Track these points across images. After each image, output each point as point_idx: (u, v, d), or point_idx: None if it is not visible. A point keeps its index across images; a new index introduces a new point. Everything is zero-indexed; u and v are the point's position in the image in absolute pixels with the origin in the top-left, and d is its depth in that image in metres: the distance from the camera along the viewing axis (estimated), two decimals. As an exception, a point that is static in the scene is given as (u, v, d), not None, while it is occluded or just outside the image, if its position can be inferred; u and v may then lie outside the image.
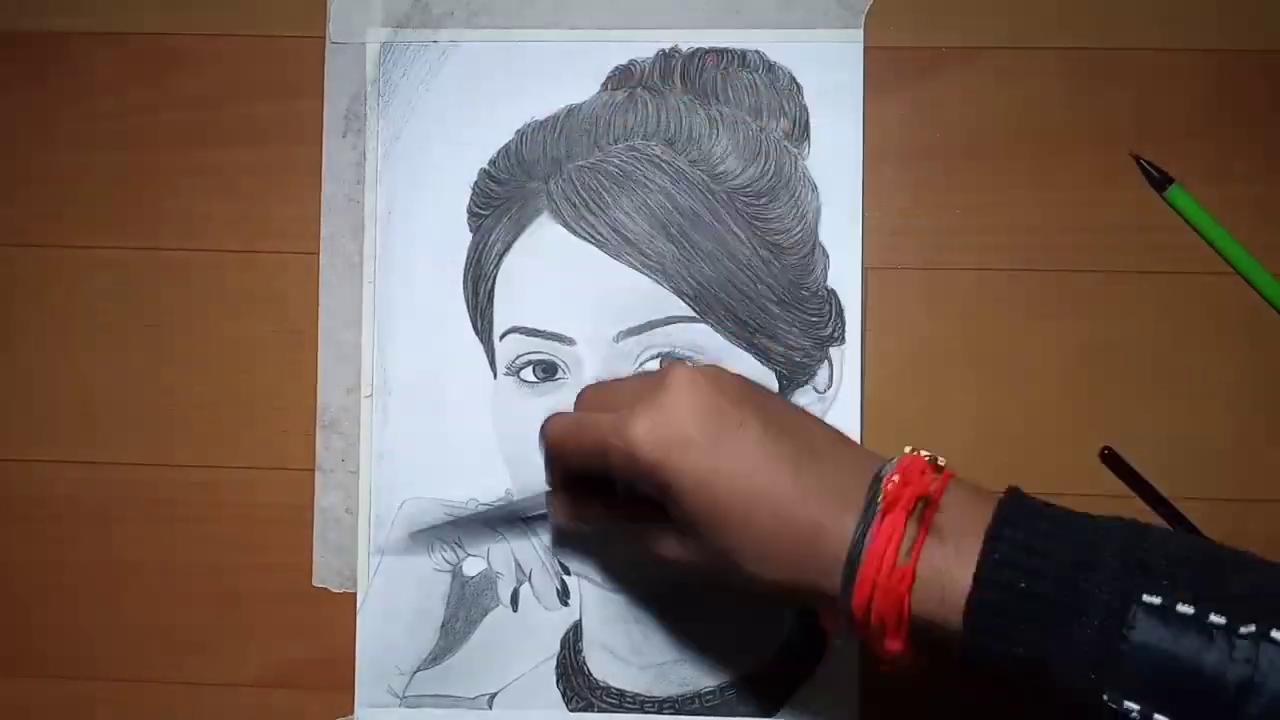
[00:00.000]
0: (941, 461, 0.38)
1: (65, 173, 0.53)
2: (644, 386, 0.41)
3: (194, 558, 0.52)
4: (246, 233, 0.53)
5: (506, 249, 0.52)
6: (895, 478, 0.37)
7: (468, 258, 0.52)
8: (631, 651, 0.51)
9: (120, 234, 0.53)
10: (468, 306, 0.52)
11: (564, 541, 0.51)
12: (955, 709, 0.50)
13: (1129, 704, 0.33)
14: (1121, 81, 0.51)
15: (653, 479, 0.39)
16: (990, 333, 0.51)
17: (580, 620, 0.51)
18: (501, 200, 0.52)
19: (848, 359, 0.51)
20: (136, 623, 0.52)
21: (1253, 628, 0.32)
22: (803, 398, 0.51)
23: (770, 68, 0.52)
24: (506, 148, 0.52)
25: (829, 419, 0.48)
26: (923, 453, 0.38)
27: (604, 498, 0.44)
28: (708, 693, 0.51)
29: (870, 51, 0.52)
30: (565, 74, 0.52)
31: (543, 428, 0.45)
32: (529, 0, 0.52)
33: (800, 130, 0.51)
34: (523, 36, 0.52)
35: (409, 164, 0.52)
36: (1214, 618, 0.33)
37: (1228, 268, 0.51)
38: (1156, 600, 0.33)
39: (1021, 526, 0.36)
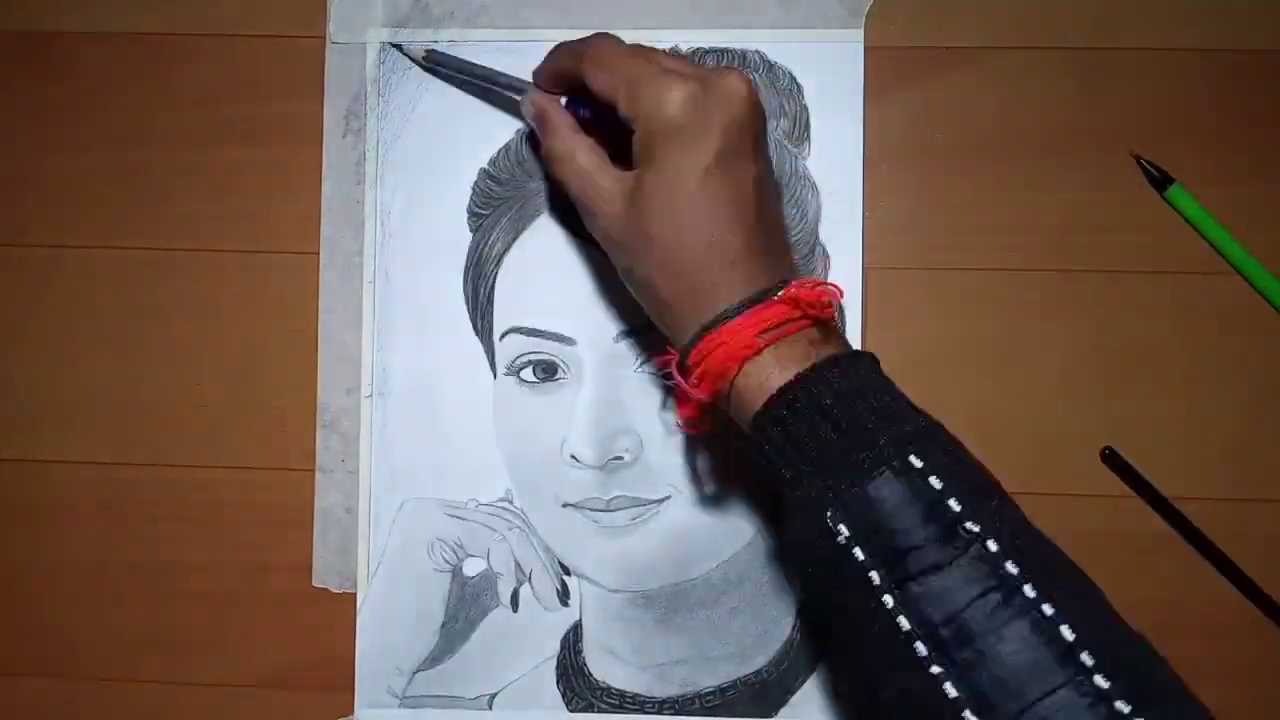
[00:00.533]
0: (843, 300, 0.43)
1: (65, 173, 0.53)
2: (702, 69, 0.43)
3: (194, 558, 0.52)
4: (247, 233, 0.53)
5: (507, 249, 0.52)
6: (803, 286, 0.40)
7: (468, 258, 0.52)
8: (631, 652, 0.51)
9: (120, 234, 0.53)
10: (468, 306, 0.52)
11: (564, 539, 0.51)
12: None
13: (842, 526, 0.37)
14: (1122, 81, 0.51)
15: (651, 139, 0.41)
16: (990, 333, 0.51)
17: (580, 621, 0.51)
18: (502, 200, 0.52)
19: (848, 359, 0.51)
20: (136, 623, 0.52)
21: (976, 529, 0.35)
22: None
23: (770, 68, 0.52)
24: (507, 147, 0.52)
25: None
26: (838, 291, 0.41)
27: (579, 117, 0.46)
28: (708, 693, 0.51)
29: (871, 52, 0.51)
30: (565, 74, 0.52)
31: (591, 39, 0.45)
32: (529, 1, 0.52)
33: (800, 130, 0.51)
34: (523, 36, 0.52)
35: (409, 164, 0.52)
36: (952, 503, 0.36)
37: (1228, 268, 0.51)
38: (918, 464, 0.36)
39: (860, 369, 0.40)
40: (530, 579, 0.51)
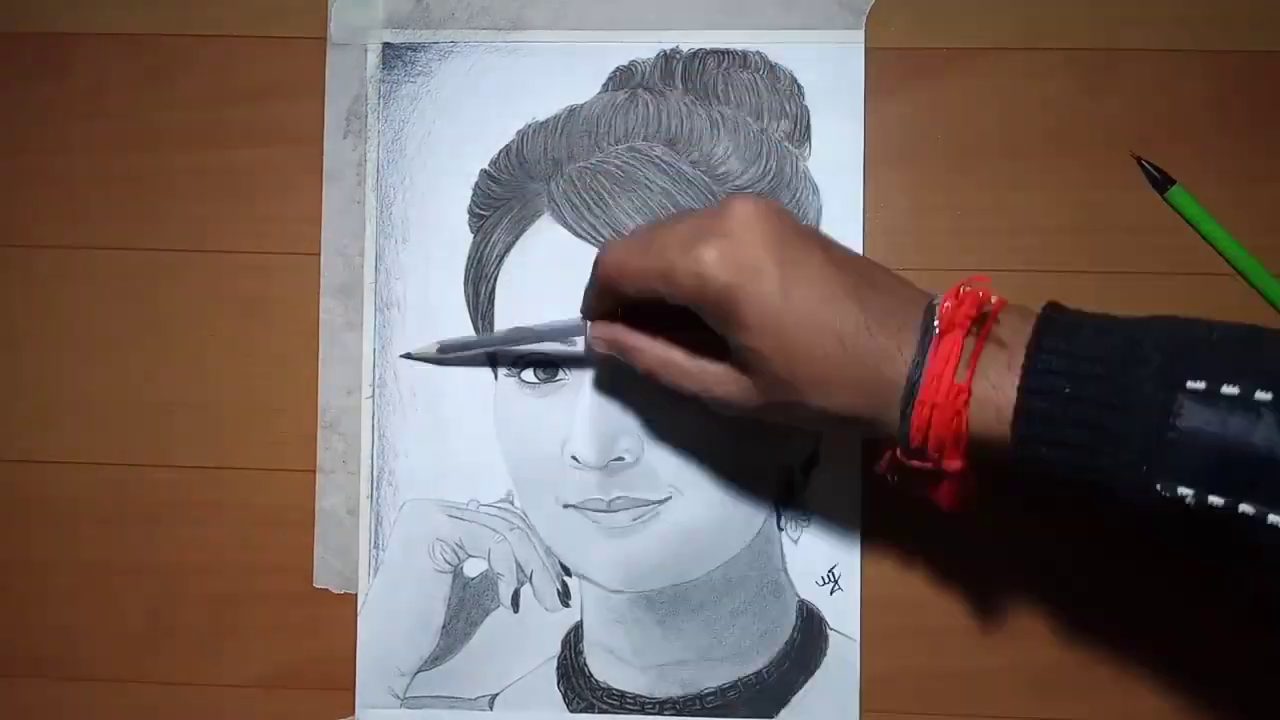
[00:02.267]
0: (994, 297, 0.38)
1: (66, 173, 0.53)
2: (707, 218, 0.41)
3: (194, 559, 0.52)
4: (247, 233, 0.53)
5: (507, 250, 0.52)
6: (949, 303, 0.38)
7: (468, 258, 0.52)
8: (632, 653, 0.51)
9: (121, 234, 0.53)
10: (469, 307, 0.52)
11: (565, 540, 0.51)
12: (956, 710, 0.50)
13: (1182, 489, 0.34)
14: (1122, 82, 0.51)
15: (720, 307, 0.40)
16: (991, 334, 0.51)
17: (581, 621, 0.51)
18: (502, 201, 0.52)
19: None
20: (137, 623, 0.52)
21: None
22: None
23: (771, 69, 0.52)
24: (507, 148, 0.52)
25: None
26: (975, 280, 0.39)
27: (653, 327, 0.45)
28: (708, 694, 0.51)
29: (871, 52, 0.51)
30: (566, 74, 0.52)
31: (600, 254, 0.44)
32: (529, 1, 0.52)
33: (801, 131, 0.51)
34: (523, 37, 0.52)
35: (410, 165, 0.52)
36: (1260, 394, 0.33)
37: (1228, 269, 0.51)
38: (1200, 385, 0.34)
39: (1063, 335, 0.37)
40: (531, 580, 0.51)
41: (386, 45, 0.53)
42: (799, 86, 0.52)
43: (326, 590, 0.52)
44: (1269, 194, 0.51)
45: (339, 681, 0.52)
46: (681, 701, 0.51)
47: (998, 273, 0.51)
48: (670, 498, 0.51)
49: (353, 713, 0.51)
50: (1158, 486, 0.34)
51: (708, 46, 0.52)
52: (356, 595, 0.52)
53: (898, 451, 0.40)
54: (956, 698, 0.50)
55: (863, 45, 0.51)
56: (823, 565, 0.51)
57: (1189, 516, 0.34)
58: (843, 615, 0.51)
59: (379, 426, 0.52)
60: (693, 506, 0.51)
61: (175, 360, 0.53)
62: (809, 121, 0.51)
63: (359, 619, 0.52)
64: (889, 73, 0.52)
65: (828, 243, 0.42)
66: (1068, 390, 0.36)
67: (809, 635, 0.51)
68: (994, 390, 0.37)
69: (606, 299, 0.45)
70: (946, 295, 0.39)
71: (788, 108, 0.51)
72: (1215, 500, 0.34)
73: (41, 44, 0.54)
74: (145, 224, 0.53)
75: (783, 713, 0.50)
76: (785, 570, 0.51)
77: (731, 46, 0.52)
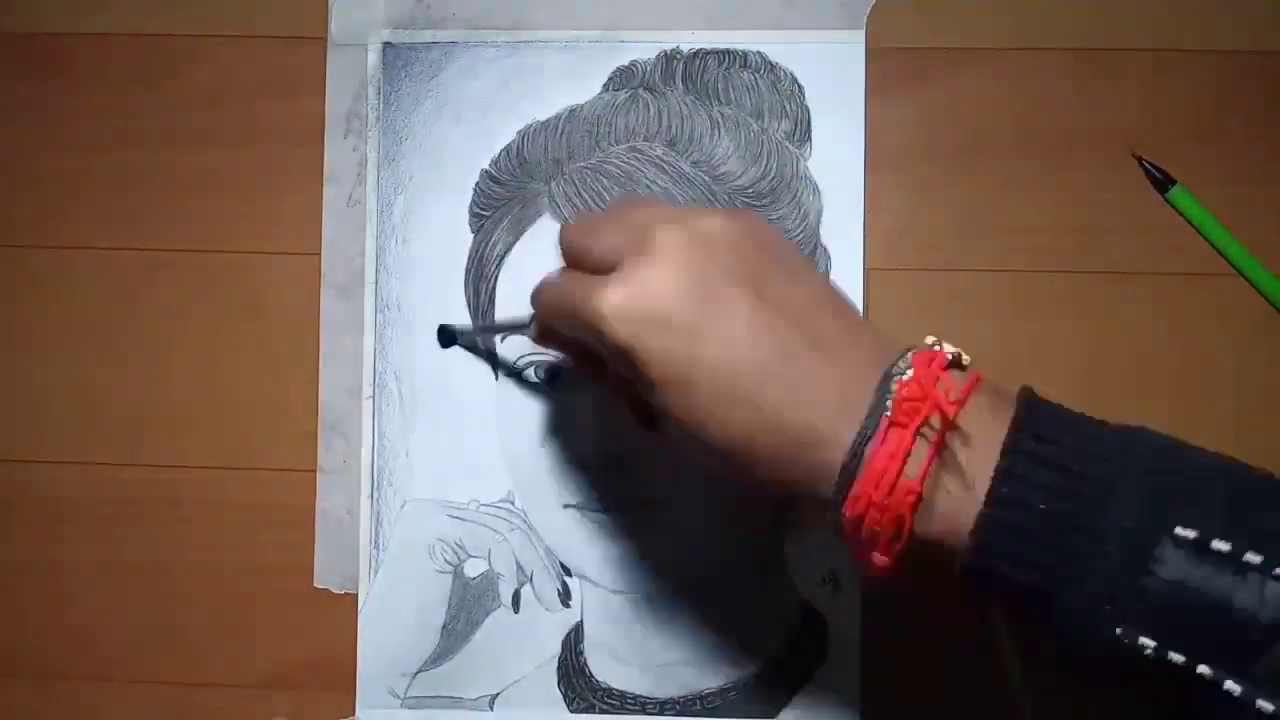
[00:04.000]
0: (966, 360, 0.34)
1: (66, 173, 0.53)
2: (627, 243, 0.36)
3: (195, 559, 0.52)
4: (247, 233, 0.53)
5: (508, 250, 0.52)
6: (908, 378, 0.33)
7: (469, 259, 0.52)
8: (633, 653, 0.51)
9: (121, 234, 0.53)
10: (469, 307, 0.52)
11: (565, 540, 0.51)
12: (960, 710, 0.50)
13: (1144, 640, 0.31)
14: (1123, 82, 0.51)
15: (622, 360, 0.35)
16: (991, 334, 0.51)
17: (581, 621, 0.51)
18: (503, 201, 0.52)
19: (849, 360, 0.51)
20: (137, 623, 0.52)
21: None
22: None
23: (772, 69, 0.52)
24: (508, 148, 0.52)
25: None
26: (945, 348, 0.34)
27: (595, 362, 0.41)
28: (709, 694, 0.51)
29: (872, 53, 0.51)
30: (567, 75, 0.52)
31: (534, 293, 0.41)
32: (530, 1, 0.52)
33: (802, 131, 0.51)
34: (524, 37, 0.52)
35: (410, 165, 0.52)
36: (1250, 556, 0.30)
37: (1229, 269, 0.51)
38: (1190, 534, 0.30)
39: (1043, 439, 0.32)
40: (531, 580, 0.51)
41: (387, 45, 0.53)
42: (799, 86, 0.51)
43: (327, 590, 0.52)
44: (1268, 195, 0.51)
45: (339, 682, 0.52)
46: (682, 702, 0.51)
47: (998, 273, 0.51)
48: (671, 498, 0.51)
49: (353, 713, 0.51)
50: (1118, 630, 0.31)
51: (708, 46, 0.52)
52: (357, 595, 0.52)
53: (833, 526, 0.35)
54: (957, 698, 0.50)
55: (863, 45, 0.51)
56: (823, 565, 0.51)
57: (1135, 664, 0.31)
58: (843, 615, 0.51)
59: (379, 426, 0.52)
60: (693, 507, 0.51)
61: (175, 360, 0.53)
62: (809, 121, 0.51)
63: (359, 619, 0.52)
64: (889, 73, 0.52)
65: (770, 283, 0.35)
66: (1041, 506, 0.31)
67: (810, 635, 0.51)
68: (948, 495, 0.32)
69: (549, 335, 0.43)
70: (907, 368, 0.33)
71: (788, 108, 0.51)
72: (1176, 657, 0.30)
73: (41, 44, 0.53)
74: (145, 224, 0.53)
75: (783, 713, 0.50)
76: (786, 570, 0.51)
77: (732, 46, 0.52)
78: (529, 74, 0.52)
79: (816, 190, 0.51)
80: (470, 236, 0.52)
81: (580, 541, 0.51)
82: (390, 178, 0.52)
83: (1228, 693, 0.30)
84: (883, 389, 0.33)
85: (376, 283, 0.52)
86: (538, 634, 0.51)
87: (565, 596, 0.51)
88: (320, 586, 0.52)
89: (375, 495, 0.52)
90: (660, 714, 0.51)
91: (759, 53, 0.52)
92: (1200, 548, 0.30)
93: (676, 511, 0.51)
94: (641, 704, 0.51)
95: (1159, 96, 0.51)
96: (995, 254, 0.51)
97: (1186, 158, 0.51)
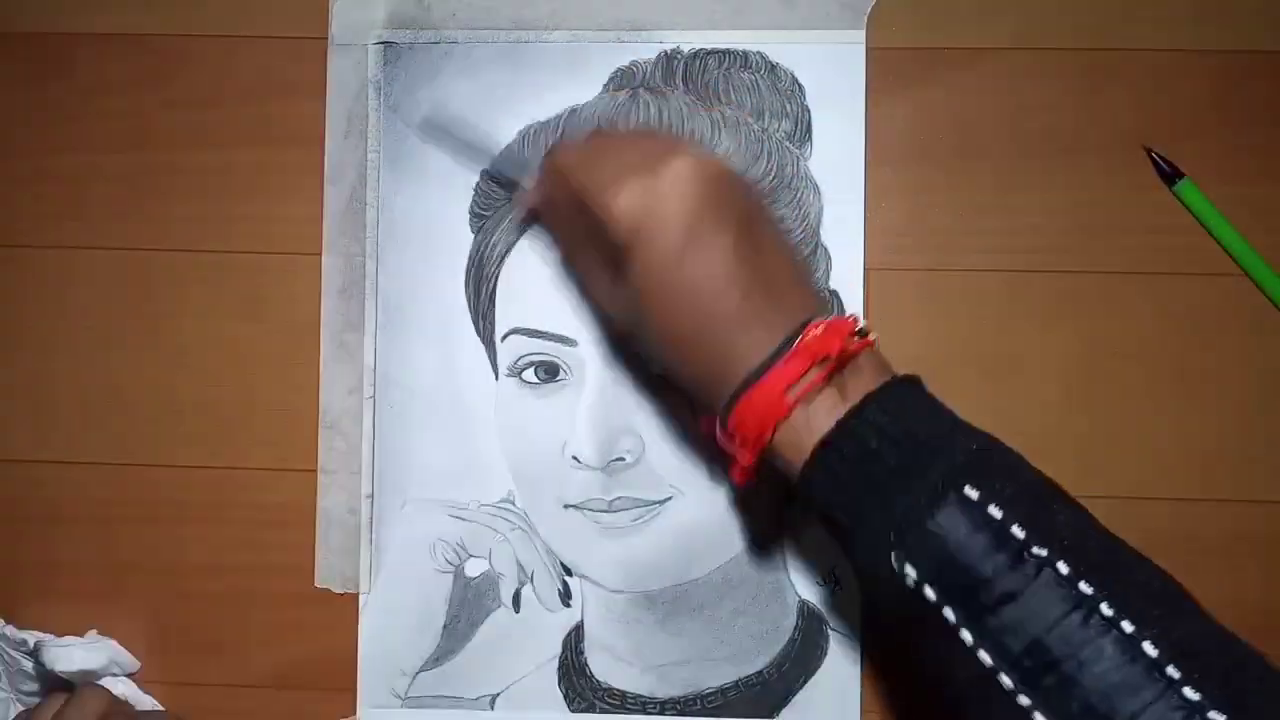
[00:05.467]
0: (873, 337, 0.40)
1: (67, 173, 0.53)
2: (648, 154, 0.42)
3: (196, 559, 0.52)
4: (248, 233, 0.53)
5: (508, 250, 0.52)
6: (819, 330, 0.39)
7: (469, 259, 0.52)
8: (633, 653, 0.51)
9: (122, 234, 0.53)
10: (469, 308, 0.52)
11: (566, 540, 0.51)
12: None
13: (909, 569, 0.36)
14: (1124, 82, 0.51)
15: (619, 244, 0.41)
16: (992, 333, 0.51)
17: (582, 621, 0.51)
18: (503, 201, 0.52)
19: (849, 360, 0.51)
20: (138, 623, 0.52)
21: (1044, 552, 0.35)
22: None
23: (772, 69, 0.52)
24: (509, 149, 0.52)
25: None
26: (860, 320, 0.40)
27: (570, 224, 0.46)
28: (709, 694, 0.51)
29: (872, 52, 0.52)
30: (567, 75, 0.52)
31: (555, 145, 0.47)
32: (531, 1, 0.52)
33: (802, 131, 0.51)
34: (524, 38, 0.52)
35: (411, 165, 0.52)
36: (1016, 530, 0.35)
37: (1230, 269, 0.51)
38: (974, 495, 0.36)
39: (900, 399, 0.39)
40: (532, 580, 0.51)
41: (388, 45, 0.53)
42: (800, 86, 0.52)
43: (328, 590, 0.52)
44: (1269, 194, 0.51)
45: (341, 681, 0.52)
46: (682, 701, 0.51)
47: (998, 273, 0.51)
48: (671, 498, 0.51)
49: (354, 712, 0.51)
50: (893, 554, 0.37)
51: (709, 47, 0.52)
52: (358, 595, 0.52)
53: (716, 424, 0.42)
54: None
55: (863, 45, 0.51)
56: (823, 565, 0.51)
57: (908, 601, 0.37)
58: (843, 615, 0.51)
59: (380, 426, 0.52)
60: (693, 506, 0.51)
61: (175, 360, 0.53)
62: (810, 121, 0.51)
63: (360, 619, 0.52)
64: (890, 73, 0.52)
65: (754, 220, 0.42)
66: (872, 445, 0.38)
67: (810, 635, 0.51)
68: (807, 426, 0.39)
69: (548, 182, 0.47)
70: (822, 321, 0.40)
71: (788, 108, 0.51)
72: (929, 593, 0.36)
73: (41, 44, 0.53)
74: (145, 224, 0.53)
75: (783, 713, 0.51)
76: (786, 570, 0.51)
77: (732, 46, 0.52)
78: (530, 74, 0.52)
79: (817, 190, 0.51)
80: (471, 236, 0.52)
81: (581, 541, 0.51)
82: (391, 177, 0.52)
83: (963, 641, 0.35)
84: (799, 331, 0.40)
85: (377, 283, 0.52)
86: (538, 634, 0.51)
87: (566, 596, 0.51)
88: (321, 586, 0.52)
89: (376, 495, 0.52)
90: (660, 714, 0.51)
91: (759, 53, 0.52)
92: (974, 508, 0.36)
93: (677, 511, 0.51)
94: (642, 704, 0.51)
95: (1159, 96, 0.51)
96: (995, 254, 0.51)
97: (1186, 157, 0.51)
